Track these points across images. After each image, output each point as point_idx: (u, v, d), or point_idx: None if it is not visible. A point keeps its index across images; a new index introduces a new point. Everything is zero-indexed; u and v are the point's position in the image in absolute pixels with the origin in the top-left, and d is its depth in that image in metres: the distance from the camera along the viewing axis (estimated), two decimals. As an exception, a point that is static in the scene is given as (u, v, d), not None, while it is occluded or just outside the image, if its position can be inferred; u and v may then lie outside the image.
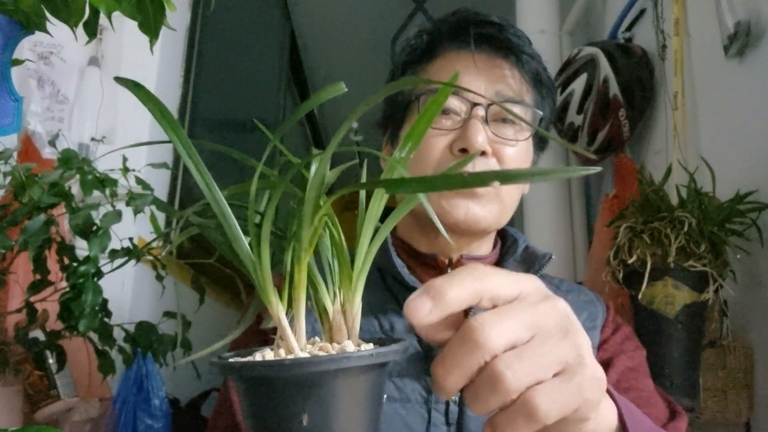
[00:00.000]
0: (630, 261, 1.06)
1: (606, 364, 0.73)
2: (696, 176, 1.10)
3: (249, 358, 0.39)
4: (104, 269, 0.95)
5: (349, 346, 0.39)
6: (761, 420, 1.05)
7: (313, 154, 0.41)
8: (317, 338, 0.42)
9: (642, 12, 1.57)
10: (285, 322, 0.39)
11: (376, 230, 0.42)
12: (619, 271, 1.10)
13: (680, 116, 1.31)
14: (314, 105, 0.42)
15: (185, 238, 0.45)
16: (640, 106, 1.49)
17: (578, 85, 1.54)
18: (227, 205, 0.40)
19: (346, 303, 0.41)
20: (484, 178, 0.32)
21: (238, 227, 0.40)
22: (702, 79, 1.30)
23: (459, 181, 0.37)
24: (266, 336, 0.41)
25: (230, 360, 0.39)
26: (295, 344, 0.39)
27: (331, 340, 0.41)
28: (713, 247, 1.03)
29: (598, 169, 0.33)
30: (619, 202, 1.46)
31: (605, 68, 1.48)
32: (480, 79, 0.75)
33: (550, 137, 0.77)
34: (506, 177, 0.37)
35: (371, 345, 0.41)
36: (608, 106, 1.49)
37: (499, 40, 0.77)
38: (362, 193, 0.43)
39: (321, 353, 0.38)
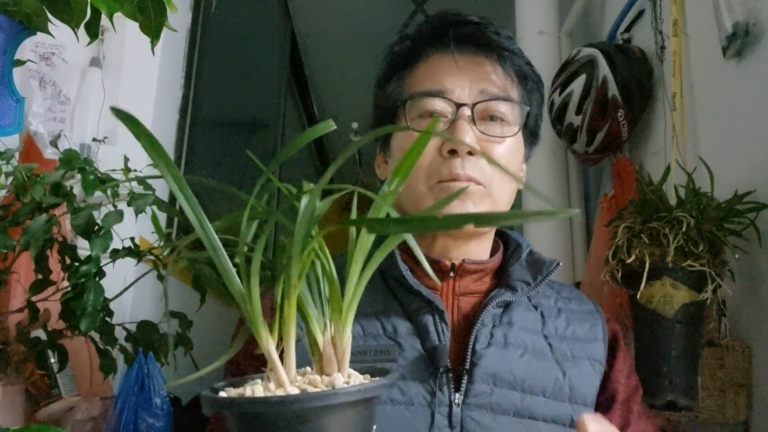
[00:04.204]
0: (628, 261, 1.07)
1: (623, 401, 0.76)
2: (694, 176, 1.11)
3: (240, 391, 0.40)
4: (109, 275, 0.95)
5: (339, 380, 0.40)
6: (759, 419, 1.05)
7: (304, 187, 0.42)
8: (308, 368, 0.42)
9: (640, 13, 1.57)
10: (275, 355, 0.40)
11: (367, 260, 0.42)
12: (617, 271, 1.11)
13: (679, 117, 1.31)
14: (305, 142, 0.42)
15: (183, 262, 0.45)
16: (638, 106, 1.49)
17: (577, 85, 1.54)
18: (218, 240, 0.40)
19: (336, 335, 0.41)
20: (461, 220, 0.32)
21: (229, 262, 0.40)
22: (700, 80, 1.30)
23: (437, 222, 0.38)
24: (260, 360, 0.42)
25: (221, 394, 0.39)
26: (285, 377, 0.39)
27: (321, 372, 0.41)
28: (711, 247, 1.03)
29: (578, 212, 0.32)
30: (617, 203, 1.47)
31: (604, 69, 1.48)
32: (463, 79, 0.75)
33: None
34: (483, 220, 0.38)
35: (361, 377, 0.41)
36: (607, 106, 1.49)
37: (479, 39, 0.77)
38: (353, 228, 0.43)
39: (310, 387, 0.39)
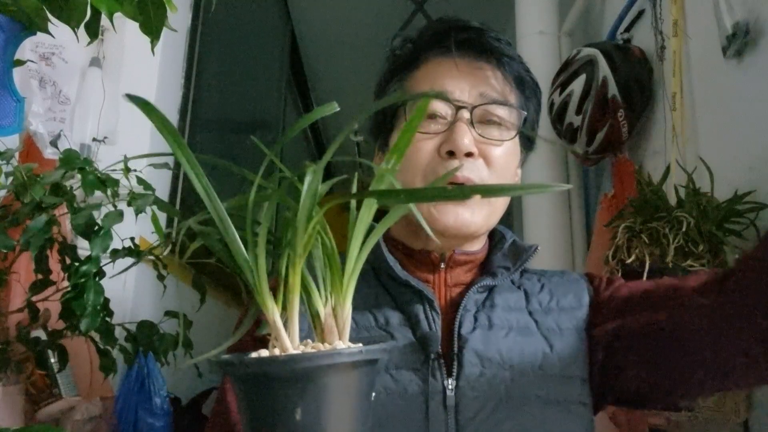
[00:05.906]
0: (628, 261, 1.07)
1: (620, 309, 0.75)
2: (694, 176, 1.11)
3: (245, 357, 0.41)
4: (107, 270, 0.95)
5: (340, 346, 0.41)
6: (759, 419, 1.05)
7: (307, 166, 0.43)
8: (309, 340, 0.44)
9: (641, 13, 1.58)
10: (280, 323, 0.41)
11: (367, 235, 0.43)
12: (617, 271, 1.11)
13: (679, 117, 1.31)
14: (309, 122, 0.44)
15: (188, 243, 0.47)
16: (638, 106, 1.49)
17: (577, 85, 1.55)
18: (227, 214, 0.41)
19: (337, 306, 0.43)
20: (466, 192, 0.34)
21: (237, 235, 0.41)
22: (700, 80, 1.30)
23: (442, 193, 0.41)
24: (263, 342, 0.43)
25: (228, 358, 0.41)
26: (289, 344, 0.41)
27: (323, 341, 0.42)
28: (711, 247, 1.03)
29: (569, 186, 0.34)
30: (617, 202, 1.47)
31: (604, 69, 1.49)
32: (463, 82, 0.77)
33: (530, 134, 0.80)
34: (486, 191, 0.41)
35: (361, 345, 0.42)
36: (607, 106, 1.49)
37: (480, 44, 0.79)
38: (353, 201, 0.45)
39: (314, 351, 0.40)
